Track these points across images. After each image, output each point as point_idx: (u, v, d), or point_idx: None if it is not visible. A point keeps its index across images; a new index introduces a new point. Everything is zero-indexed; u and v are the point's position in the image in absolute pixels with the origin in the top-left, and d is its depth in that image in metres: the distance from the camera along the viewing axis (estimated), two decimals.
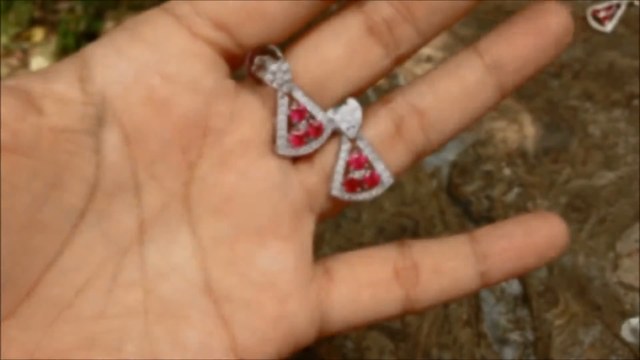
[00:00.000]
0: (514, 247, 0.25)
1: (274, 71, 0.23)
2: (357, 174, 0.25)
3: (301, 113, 0.24)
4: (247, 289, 0.24)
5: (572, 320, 0.40)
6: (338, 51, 0.24)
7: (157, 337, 0.23)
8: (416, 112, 0.25)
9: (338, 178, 0.25)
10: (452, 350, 0.40)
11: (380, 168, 0.25)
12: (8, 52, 0.92)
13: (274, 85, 0.23)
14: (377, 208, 0.46)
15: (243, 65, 0.24)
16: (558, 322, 0.40)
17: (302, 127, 0.24)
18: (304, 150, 0.24)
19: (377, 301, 0.25)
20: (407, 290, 0.25)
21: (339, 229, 0.45)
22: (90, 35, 0.96)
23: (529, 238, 0.25)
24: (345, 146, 0.25)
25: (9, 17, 0.93)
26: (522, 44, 0.24)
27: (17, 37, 0.94)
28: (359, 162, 0.25)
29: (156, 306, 0.23)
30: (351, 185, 0.25)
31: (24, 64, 0.93)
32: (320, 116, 0.24)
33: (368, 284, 0.25)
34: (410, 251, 0.26)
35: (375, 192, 0.25)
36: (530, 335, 0.39)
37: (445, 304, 0.41)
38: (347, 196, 0.25)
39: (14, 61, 0.92)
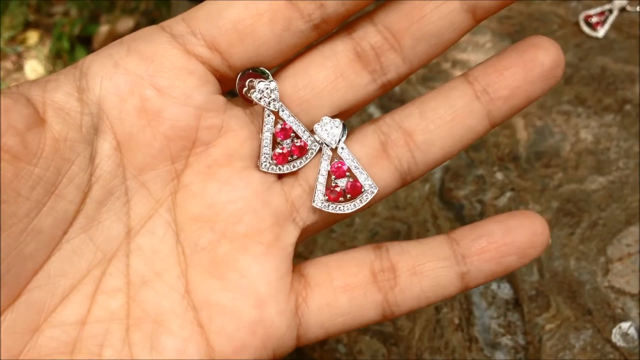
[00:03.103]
0: (494, 246, 0.25)
1: (262, 89, 0.24)
2: (340, 183, 0.25)
3: (286, 132, 0.25)
4: (226, 293, 0.24)
5: (563, 325, 0.40)
6: (326, 74, 0.25)
7: (136, 342, 0.23)
8: (403, 131, 0.25)
9: (320, 189, 0.25)
10: (443, 354, 0.40)
11: (362, 177, 0.25)
12: (2, 56, 0.92)
13: (261, 102, 0.24)
14: (370, 212, 0.46)
15: (234, 86, 0.25)
16: (549, 326, 0.40)
17: (287, 145, 0.25)
18: (286, 168, 0.25)
19: (355, 305, 0.25)
20: (385, 294, 0.25)
21: (331, 233, 0.45)
22: (85, 39, 0.95)
23: (508, 237, 0.25)
24: (327, 156, 0.25)
25: (3, 20, 0.93)
26: (511, 75, 0.24)
27: (12, 41, 0.94)
28: (341, 171, 0.25)
29: (137, 312, 0.23)
30: (334, 195, 0.25)
31: (19, 67, 0.93)
32: (305, 136, 0.25)
33: (344, 287, 0.25)
34: (388, 253, 0.26)
35: (360, 202, 0.25)
36: (521, 340, 0.40)
37: (437, 308, 0.41)
38: (330, 207, 0.25)
39: (8, 64, 0.92)
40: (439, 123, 0.25)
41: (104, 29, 0.93)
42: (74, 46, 0.89)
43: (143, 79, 0.23)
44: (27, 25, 0.96)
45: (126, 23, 0.94)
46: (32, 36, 0.95)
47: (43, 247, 0.22)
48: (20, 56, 0.94)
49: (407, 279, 0.25)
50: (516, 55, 0.25)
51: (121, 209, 0.23)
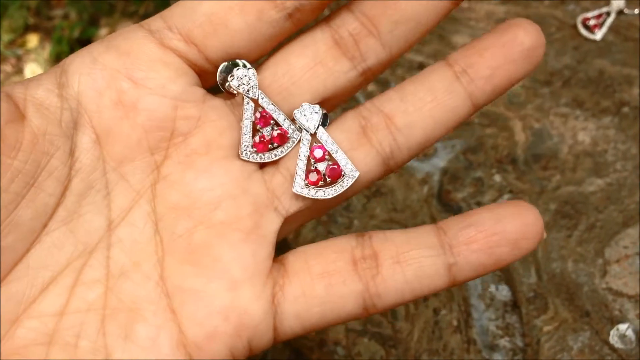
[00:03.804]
0: (482, 235, 0.24)
1: (240, 77, 0.24)
2: (320, 167, 0.25)
3: (266, 120, 0.25)
4: (199, 277, 0.24)
5: (561, 327, 0.40)
6: (304, 62, 0.25)
7: (110, 332, 0.23)
8: (383, 115, 0.25)
9: (300, 174, 0.25)
10: (442, 356, 0.40)
11: (342, 161, 0.25)
12: (2, 59, 0.92)
13: (240, 90, 0.24)
14: (368, 214, 0.46)
15: (216, 81, 0.25)
16: (547, 328, 0.40)
17: (266, 133, 0.25)
18: (268, 157, 0.25)
19: (332, 294, 0.24)
20: (366, 283, 0.24)
21: (330, 235, 0.45)
22: (85, 42, 0.96)
23: (498, 225, 0.24)
24: (306, 141, 0.25)
25: (3, 23, 0.93)
26: (491, 55, 0.24)
27: (11, 44, 0.94)
28: (321, 155, 0.25)
29: (113, 302, 0.23)
30: (314, 178, 0.25)
31: (18, 70, 0.93)
32: (285, 124, 0.25)
33: (321, 274, 0.24)
34: (370, 241, 0.25)
35: (341, 187, 0.25)
36: (519, 341, 0.40)
37: (435, 310, 0.41)
38: (311, 192, 0.25)
39: (8, 67, 0.92)
40: (419, 105, 0.25)
41: (103, 32, 0.93)
42: (74, 49, 0.89)
43: (119, 72, 0.24)
44: (27, 29, 0.96)
45: (126, 26, 0.94)
46: (32, 39, 0.95)
47: (22, 239, 0.22)
48: (20, 59, 0.94)
49: (390, 267, 0.24)
50: (496, 36, 0.25)
51: (102, 201, 0.24)
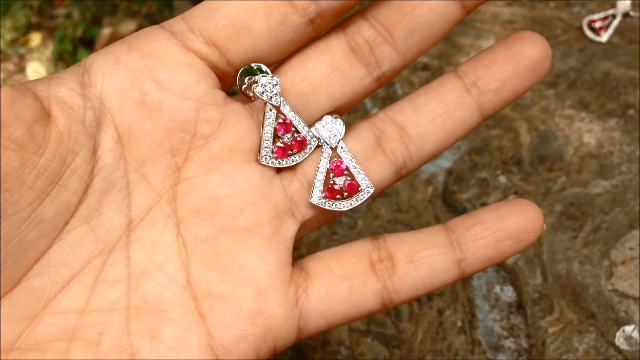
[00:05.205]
0: (488, 232, 0.25)
1: (264, 84, 0.25)
2: (338, 181, 0.26)
3: (287, 126, 0.25)
4: (227, 284, 0.24)
5: (566, 328, 0.40)
6: (322, 68, 0.25)
7: (136, 331, 0.23)
8: (396, 126, 0.26)
9: (318, 186, 0.26)
10: (446, 356, 0.40)
11: (359, 176, 0.26)
12: (4, 57, 0.92)
13: (264, 97, 0.25)
14: (372, 214, 0.46)
15: (234, 84, 0.25)
16: (552, 329, 0.40)
17: (287, 140, 0.25)
18: (286, 162, 0.25)
19: (354, 294, 0.25)
20: (384, 282, 0.25)
21: (334, 235, 0.45)
22: (87, 41, 0.96)
23: (502, 223, 0.25)
24: (326, 154, 0.26)
25: (5, 22, 0.93)
26: (499, 68, 0.25)
27: (14, 42, 0.94)
28: (340, 170, 0.26)
29: (137, 302, 0.24)
30: (331, 192, 0.26)
31: (21, 69, 0.93)
32: (304, 131, 0.25)
33: (344, 276, 0.25)
34: (385, 243, 0.26)
35: (356, 200, 0.26)
36: (524, 343, 0.39)
37: (440, 311, 0.41)
38: (327, 204, 0.26)
39: (10, 66, 0.92)
40: (431, 117, 0.26)
41: (106, 31, 0.93)
42: (77, 48, 0.89)
43: (143, 73, 0.24)
44: (30, 27, 0.96)
45: (128, 26, 0.94)
46: (35, 38, 0.95)
47: (44, 236, 0.22)
48: (22, 58, 0.94)
49: (405, 266, 0.25)
50: (503, 49, 0.25)
51: (122, 201, 0.24)
